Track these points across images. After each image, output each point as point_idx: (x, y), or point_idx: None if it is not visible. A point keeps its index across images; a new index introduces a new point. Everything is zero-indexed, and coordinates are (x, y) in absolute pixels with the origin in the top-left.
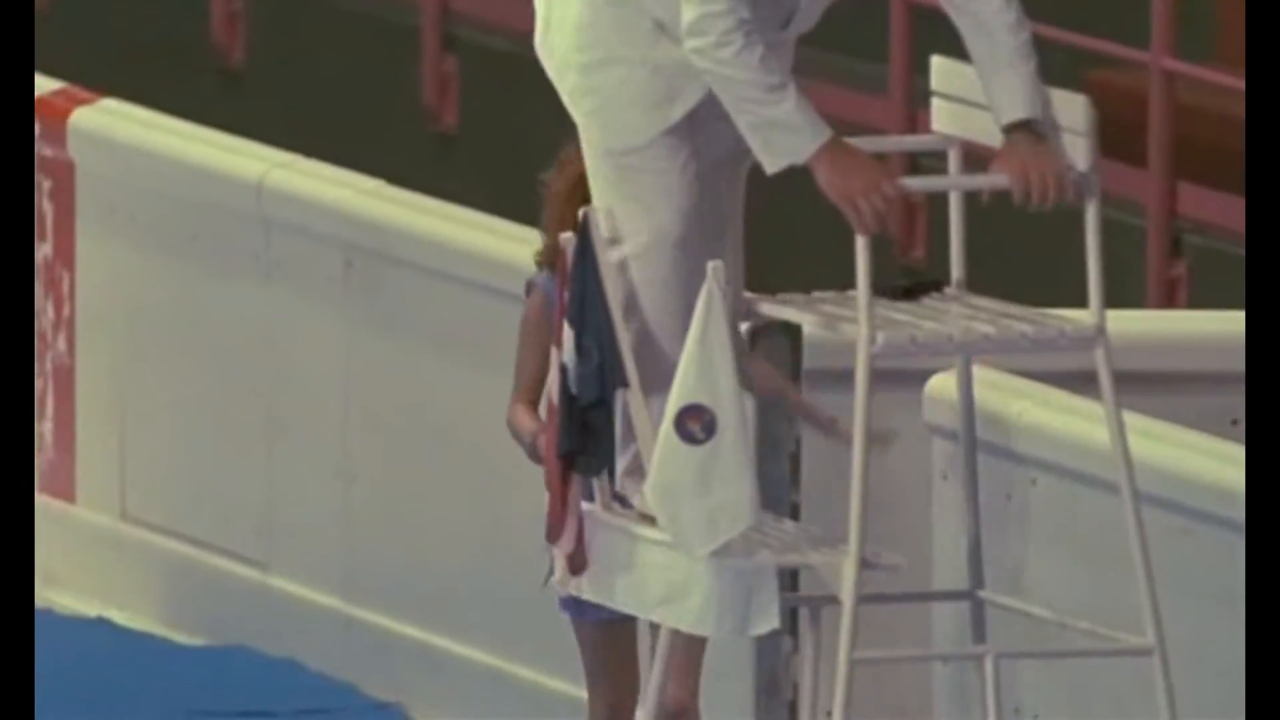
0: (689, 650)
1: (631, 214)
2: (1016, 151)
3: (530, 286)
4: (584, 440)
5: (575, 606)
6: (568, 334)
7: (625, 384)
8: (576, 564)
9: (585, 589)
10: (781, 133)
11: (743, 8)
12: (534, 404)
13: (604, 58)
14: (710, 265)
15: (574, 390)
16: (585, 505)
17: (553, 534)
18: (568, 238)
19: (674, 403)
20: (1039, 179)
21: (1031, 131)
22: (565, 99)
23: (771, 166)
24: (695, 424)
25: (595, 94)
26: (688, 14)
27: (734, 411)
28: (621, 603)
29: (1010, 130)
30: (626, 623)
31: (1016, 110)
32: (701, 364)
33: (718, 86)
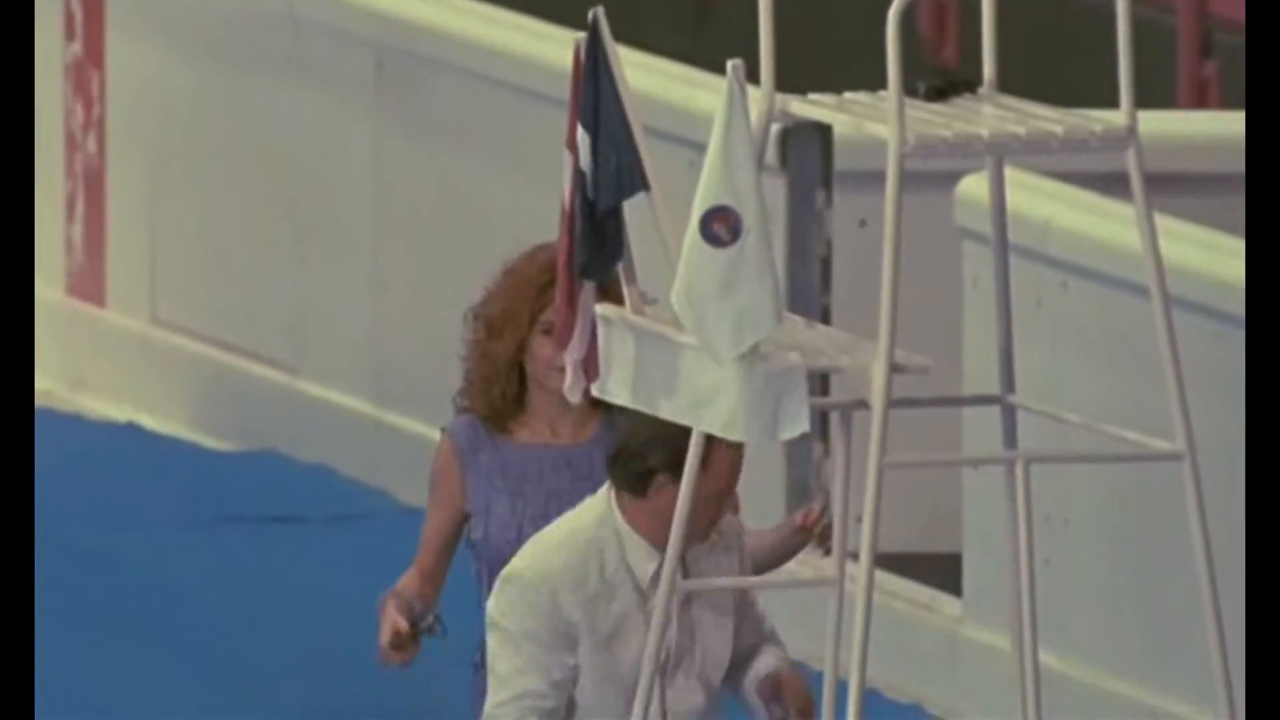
0: None
1: None
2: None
3: (442, 432)
4: (598, 247)
5: None
6: (582, 137)
7: (646, 187)
8: (589, 370)
9: (615, 392)
10: None
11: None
12: (428, 572)
13: None
14: (730, 64)
15: (592, 196)
16: (601, 308)
17: (562, 340)
18: (579, 38)
19: (698, 205)
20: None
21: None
22: None
23: None
24: (721, 226)
25: None
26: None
27: (757, 212)
28: (652, 406)
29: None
30: None
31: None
32: (724, 165)
33: None
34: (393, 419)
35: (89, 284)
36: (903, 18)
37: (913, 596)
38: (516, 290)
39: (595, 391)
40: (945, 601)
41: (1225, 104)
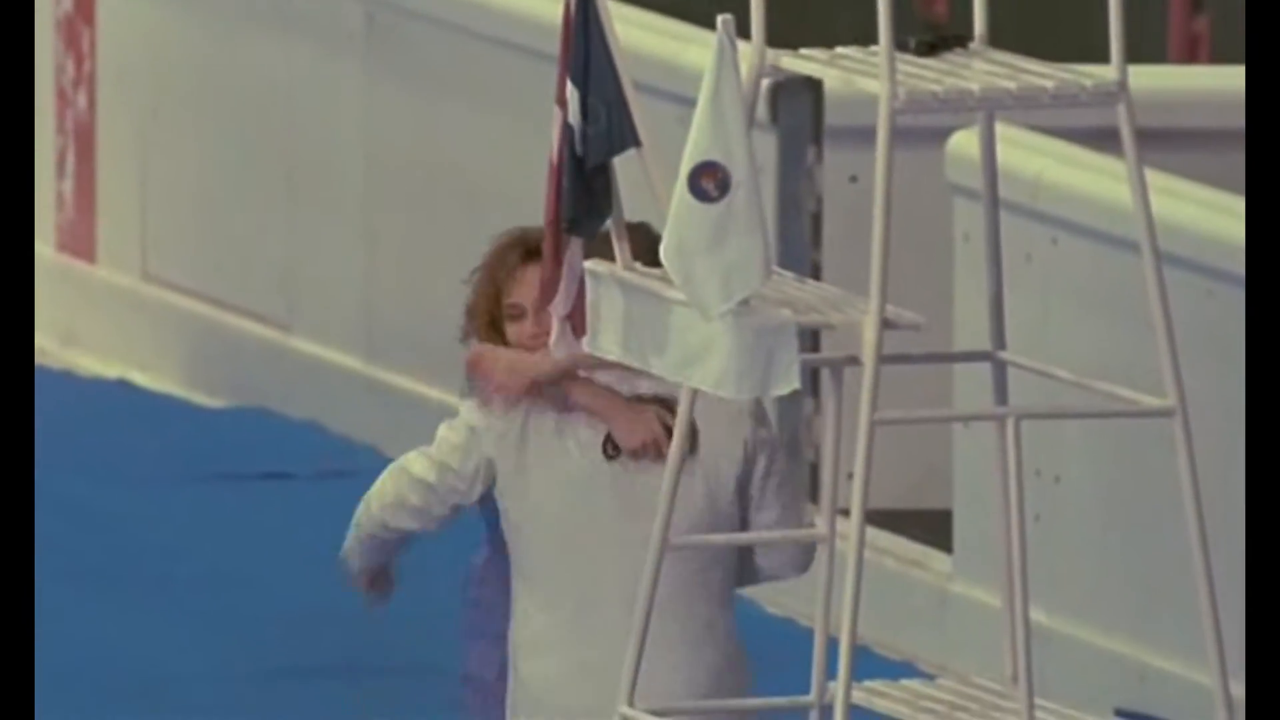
0: None
1: None
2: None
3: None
4: (587, 203)
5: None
6: (572, 93)
7: (637, 143)
8: (576, 326)
9: (606, 348)
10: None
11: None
12: None
13: None
14: (720, 19)
15: (580, 152)
16: (590, 264)
17: (547, 296)
18: None
19: (687, 160)
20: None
21: None
22: None
23: None
24: (709, 181)
25: None
26: None
27: (747, 167)
28: (643, 363)
29: None
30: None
31: None
32: (714, 120)
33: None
34: (383, 376)
35: (80, 240)
36: None
37: (903, 553)
38: (483, 281)
39: (586, 347)
40: (936, 558)
41: (1216, 59)
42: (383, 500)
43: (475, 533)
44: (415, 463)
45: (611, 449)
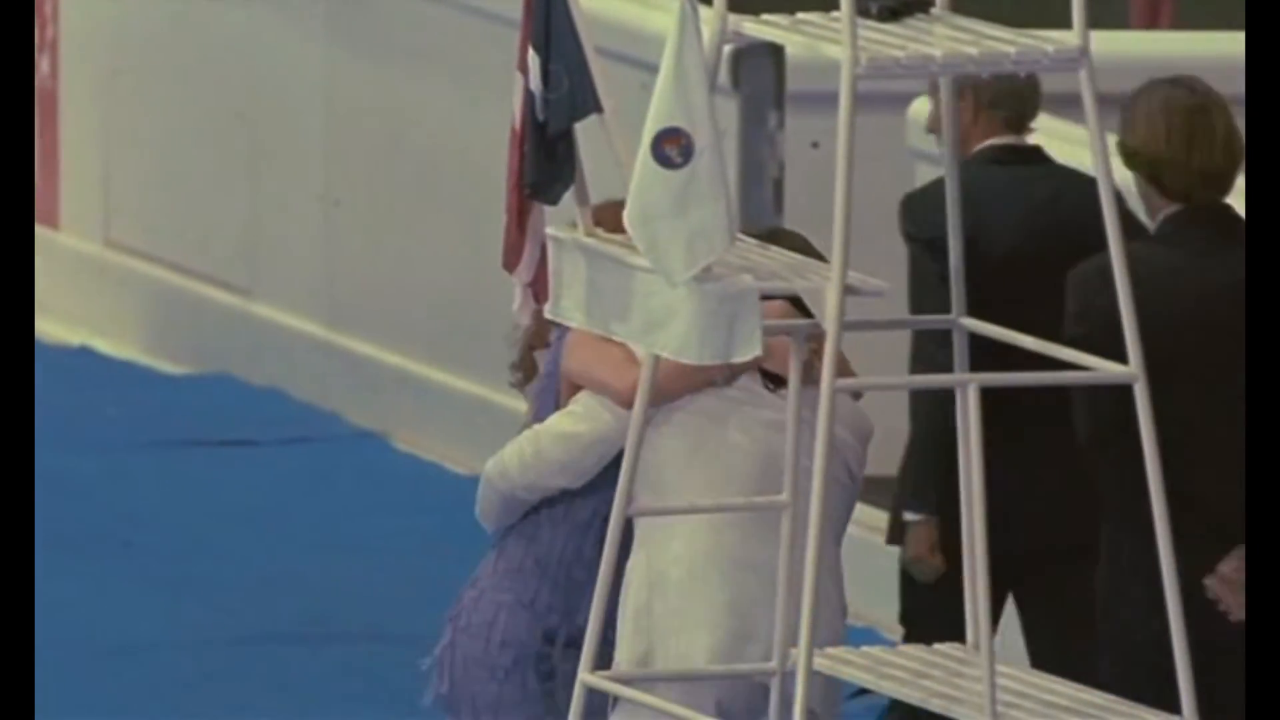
0: None
1: None
2: None
3: None
4: (550, 169)
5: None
6: (533, 59)
7: (598, 109)
8: (539, 292)
9: (569, 314)
10: None
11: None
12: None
13: None
14: None
15: (541, 118)
16: (552, 230)
17: (510, 262)
18: None
19: (650, 126)
20: None
21: None
22: None
23: None
24: (672, 147)
25: None
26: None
27: (710, 133)
28: (605, 328)
29: None
30: None
31: None
32: (677, 86)
33: None
34: (345, 341)
35: (42, 207)
36: None
37: (865, 519)
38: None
39: (548, 313)
40: None
41: (1177, 24)
42: (521, 459)
43: (427, 502)
44: (558, 422)
45: (771, 382)
